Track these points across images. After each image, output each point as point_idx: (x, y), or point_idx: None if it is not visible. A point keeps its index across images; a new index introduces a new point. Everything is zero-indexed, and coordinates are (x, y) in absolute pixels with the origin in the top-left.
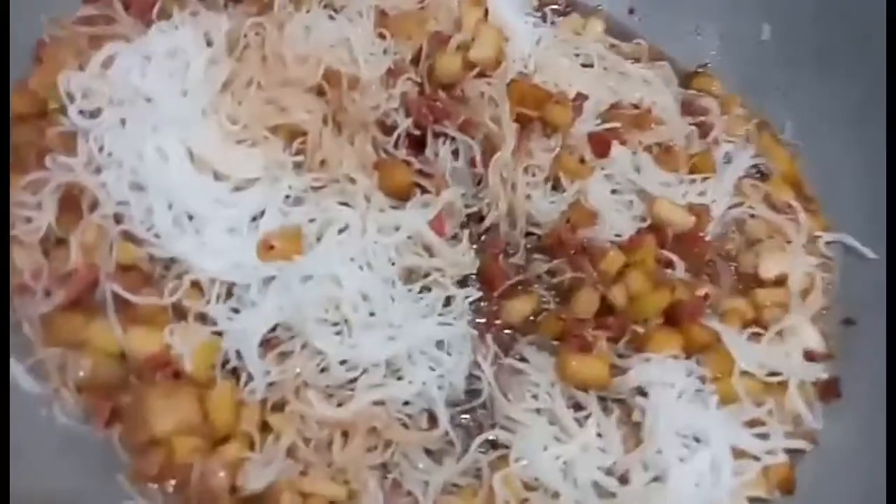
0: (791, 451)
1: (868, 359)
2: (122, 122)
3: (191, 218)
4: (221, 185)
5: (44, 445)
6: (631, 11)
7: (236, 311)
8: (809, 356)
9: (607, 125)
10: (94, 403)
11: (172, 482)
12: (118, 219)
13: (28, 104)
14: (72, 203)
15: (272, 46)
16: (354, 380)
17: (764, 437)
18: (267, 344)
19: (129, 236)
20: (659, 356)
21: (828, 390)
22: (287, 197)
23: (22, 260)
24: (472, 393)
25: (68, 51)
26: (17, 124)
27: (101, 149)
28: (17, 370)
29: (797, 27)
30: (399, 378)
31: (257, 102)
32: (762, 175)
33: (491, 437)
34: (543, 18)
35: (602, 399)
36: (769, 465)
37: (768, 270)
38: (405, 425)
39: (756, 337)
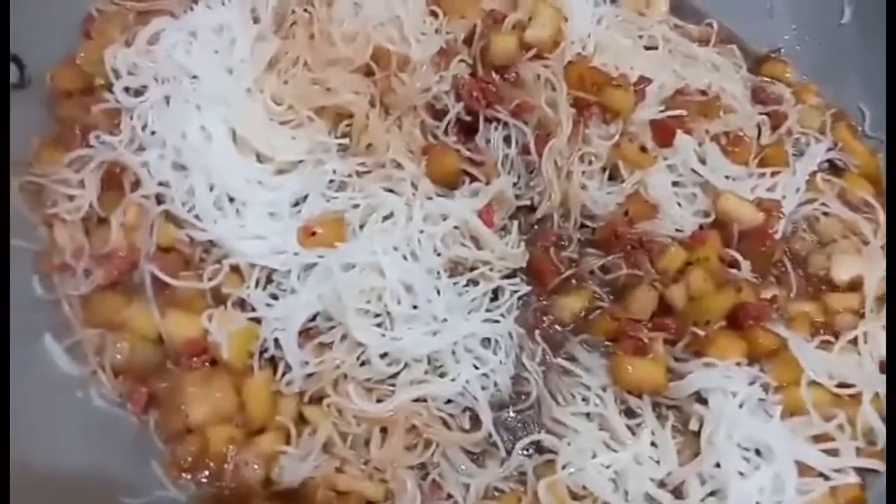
0: (863, 471)
1: None
2: (167, 99)
3: (232, 200)
4: (264, 167)
5: (78, 427)
6: None
7: (275, 297)
8: (885, 367)
9: (671, 112)
10: (130, 388)
11: (206, 473)
12: (159, 199)
13: (74, 80)
14: (114, 182)
15: (320, 24)
16: (395, 375)
17: (833, 453)
18: (306, 333)
19: (169, 217)
20: (720, 361)
21: None
22: (331, 181)
23: (63, 238)
24: (520, 394)
25: (115, 26)
26: (62, 100)
27: (144, 127)
28: (55, 349)
29: (881, 9)
30: (441, 375)
31: (303, 82)
32: (837, 170)
33: (537, 440)
34: None
35: (656, 405)
36: (838, 485)
37: (842, 273)
38: (447, 424)
39: (826, 345)
